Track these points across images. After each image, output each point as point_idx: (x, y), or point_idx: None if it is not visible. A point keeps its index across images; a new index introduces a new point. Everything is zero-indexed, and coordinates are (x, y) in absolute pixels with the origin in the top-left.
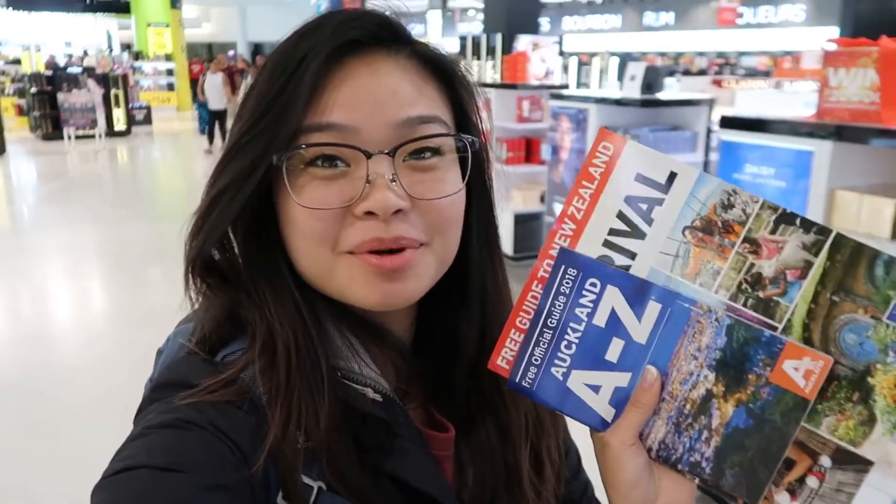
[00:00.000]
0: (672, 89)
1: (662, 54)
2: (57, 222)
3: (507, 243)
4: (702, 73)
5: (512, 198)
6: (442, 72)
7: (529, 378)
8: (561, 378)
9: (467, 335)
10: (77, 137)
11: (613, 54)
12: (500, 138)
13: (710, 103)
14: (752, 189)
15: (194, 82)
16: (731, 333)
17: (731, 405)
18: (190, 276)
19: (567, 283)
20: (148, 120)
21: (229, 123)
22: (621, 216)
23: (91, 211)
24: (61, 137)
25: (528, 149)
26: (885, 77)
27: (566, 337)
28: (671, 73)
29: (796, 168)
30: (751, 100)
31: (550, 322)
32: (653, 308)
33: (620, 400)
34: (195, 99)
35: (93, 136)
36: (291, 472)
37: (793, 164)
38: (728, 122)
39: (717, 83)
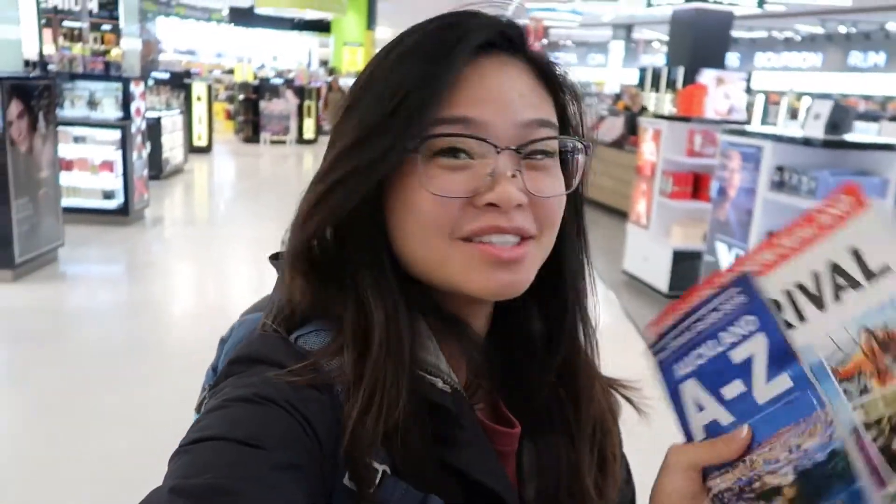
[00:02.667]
0: (866, 133)
1: (867, 98)
2: (246, 215)
3: (662, 280)
4: None
5: (672, 233)
6: (553, 80)
7: (661, 356)
8: (680, 377)
9: (548, 333)
10: (271, 142)
11: (805, 94)
12: (666, 171)
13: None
14: None
15: None
16: (832, 457)
17: None
18: (292, 267)
19: (730, 304)
20: None
21: None
22: (815, 277)
23: (274, 208)
24: (258, 141)
25: (695, 184)
26: None
27: (700, 348)
28: (875, 119)
29: None
30: None
31: (697, 326)
32: (783, 381)
33: (713, 432)
34: None
35: (284, 142)
36: (362, 455)
37: None
38: None
39: None
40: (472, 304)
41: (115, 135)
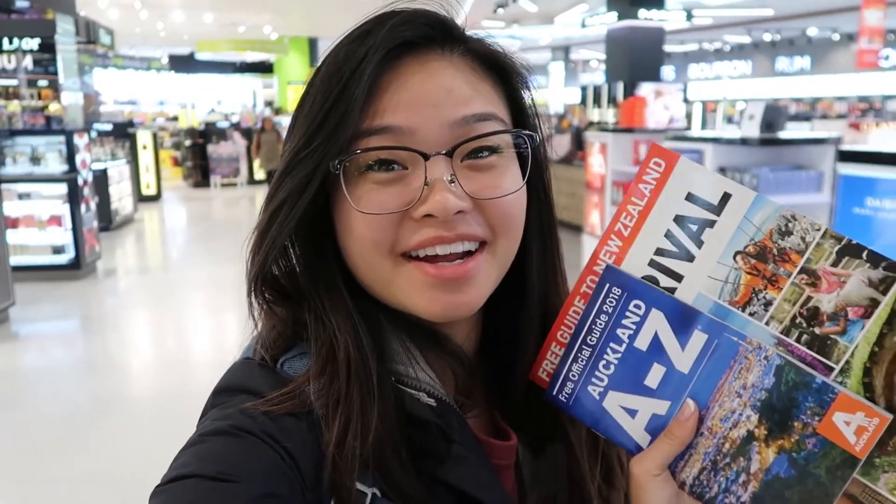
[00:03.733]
0: (799, 130)
1: (798, 100)
2: (201, 260)
3: None
4: (841, 117)
5: None
6: (498, 68)
7: (566, 393)
8: (597, 397)
9: (527, 339)
10: (222, 185)
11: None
12: (616, 182)
13: (837, 142)
14: (873, 224)
15: None
16: (779, 374)
17: (773, 451)
18: (253, 293)
19: (610, 301)
20: None
21: None
22: (669, 236)
23: (229, 250)
24: (209, 185)
25: None
26: None
27: (605, 356)
28: (807, 118)
29: None
30: (884, 139)
31: (590, 339)
32: (698, 338)
33: (656, 428)
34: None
35: (235, 184)
36: (345, 479)
37: None
38: (846, 156)
39: (855, 126)
40: None
41: (62, 188)
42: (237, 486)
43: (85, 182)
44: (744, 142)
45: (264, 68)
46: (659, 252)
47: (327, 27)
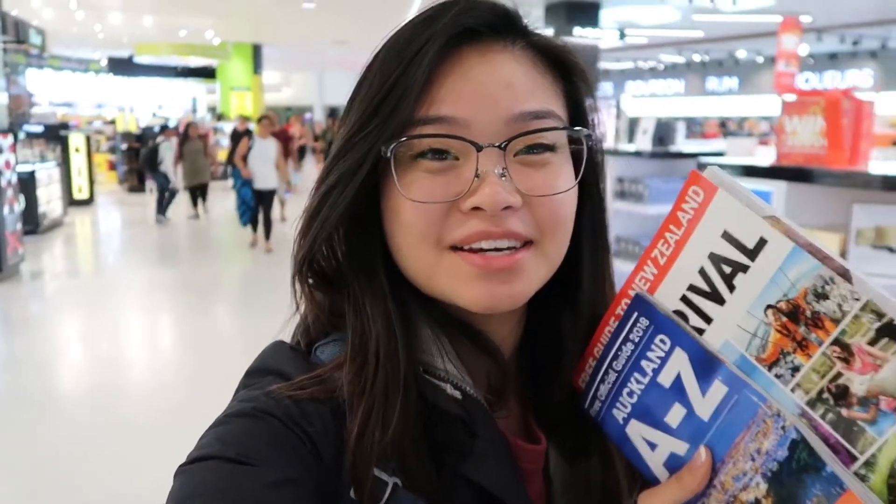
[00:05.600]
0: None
1: (727, 119)
2: (131, 264)
3: None
4: (764, 135)
5: None
6: (559, 64)
7: (595, 409)
8: (621, 422)
9: (572, 345)
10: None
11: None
12: None
13: (719, 156)
14: None
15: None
16: (793, 450)
17: None
18: (298, 276)
19: (637, 331)
20: (224, 176)
21: (281, 211)
22: (703, 274)
23: (163, 253)
24: (144, 190)
25: None
26: (830, 123)
27: (629, 385)
28: (732, 135)
29: None
30: (762, 153)
31: (616, 365)
32: (718, 389)
33: (674, 467)
34: (234, 172)
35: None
36: (364, 468)
37: None
38: (701, 168)
39: (765, 143)
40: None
41: None
42: (256, 469)
43: (8, 183)
44: (637, 154)
45: (207, 73)
46: (691, 288)
47: (271, 33)
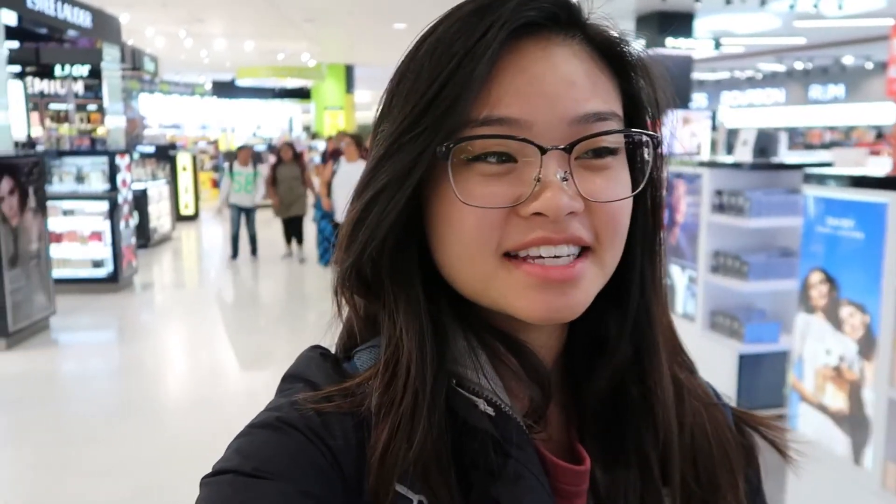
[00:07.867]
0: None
1: (832, 128)
2: (234, 277)
3: None
4: (872, 144)
5: None
6: (616, 58)
7: None
8: None
9: (623, 343)
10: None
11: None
12: None
13: (826, 166)
14: (832, 241)
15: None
16: None
17: None
18: (341, 287)
19: None
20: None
21: None
22: None
23: (264, 267)
24: None
25: None
26: None
27: None
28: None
29: (872, 219)
30: (878, 164)
31: None
32: None
33: None
34: (315, 201)
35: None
36: (385, 484)
37: (869, 215)
38: (809, 178)
39: (876, 153)
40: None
41: (103, 206)
42: (272, 483)
43: (125, 200)
44: (737, 166)
45: (302, 94)
46: None
47: (364, 54)
